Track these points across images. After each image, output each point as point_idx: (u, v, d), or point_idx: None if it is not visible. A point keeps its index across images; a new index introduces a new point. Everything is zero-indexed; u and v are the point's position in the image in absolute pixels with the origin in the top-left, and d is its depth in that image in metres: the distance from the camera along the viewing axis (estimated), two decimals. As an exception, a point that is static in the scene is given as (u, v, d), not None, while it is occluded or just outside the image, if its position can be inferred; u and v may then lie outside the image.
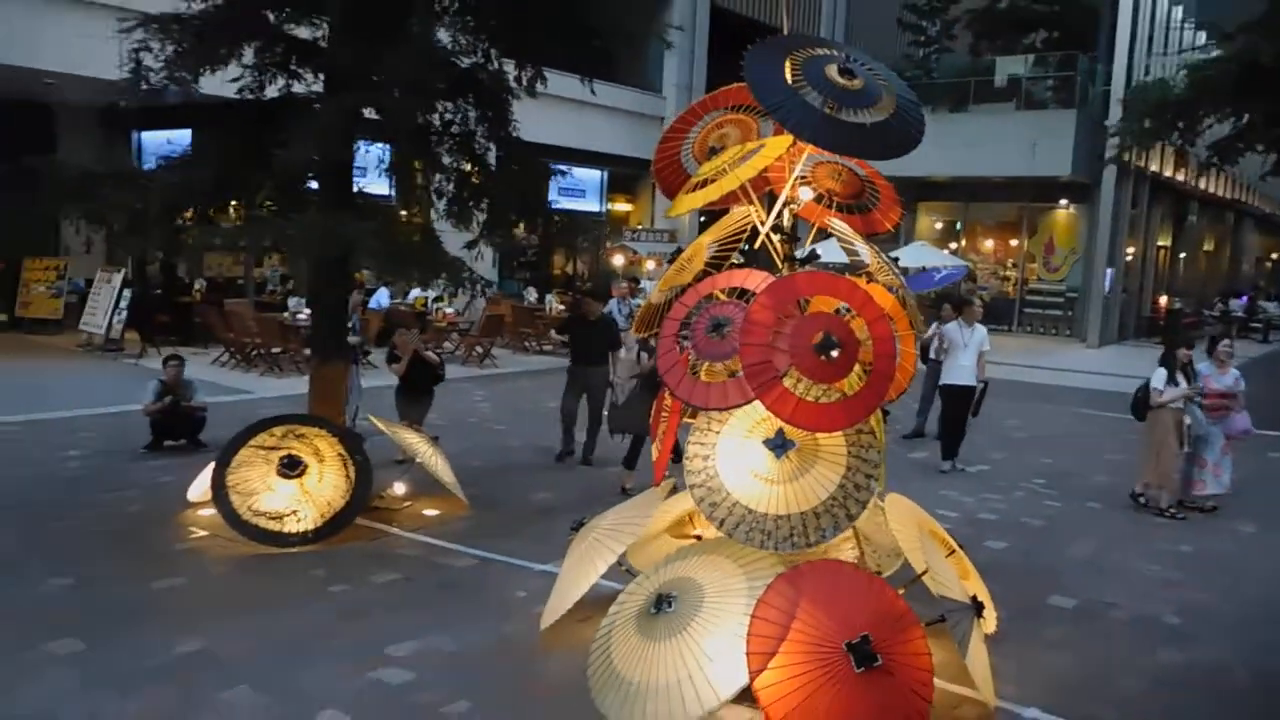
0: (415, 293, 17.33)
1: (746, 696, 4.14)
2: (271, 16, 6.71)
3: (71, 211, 6.33)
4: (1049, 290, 24.88)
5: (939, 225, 27.38)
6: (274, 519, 6.50)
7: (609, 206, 24.83)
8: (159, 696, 4.32)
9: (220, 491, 6.51)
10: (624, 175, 24.43)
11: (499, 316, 16.43)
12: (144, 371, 13.49)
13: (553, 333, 14.13)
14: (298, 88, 7.21)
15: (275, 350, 14.03)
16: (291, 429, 6.86)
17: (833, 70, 4.39)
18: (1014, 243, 25.88)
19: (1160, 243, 28.00)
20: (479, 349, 15.70)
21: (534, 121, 8.09)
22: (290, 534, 6.46)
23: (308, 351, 14.09)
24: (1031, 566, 6.67)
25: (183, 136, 16.05)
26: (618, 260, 20.88)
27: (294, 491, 6.63)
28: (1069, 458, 10.48)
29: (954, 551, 5.18)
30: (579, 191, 22.98)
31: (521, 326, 17.50)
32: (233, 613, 5.33)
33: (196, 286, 16.56)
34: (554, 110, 7.43)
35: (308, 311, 15.59)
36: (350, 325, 9.00)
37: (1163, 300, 26.66)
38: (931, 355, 10.86)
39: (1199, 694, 4.83)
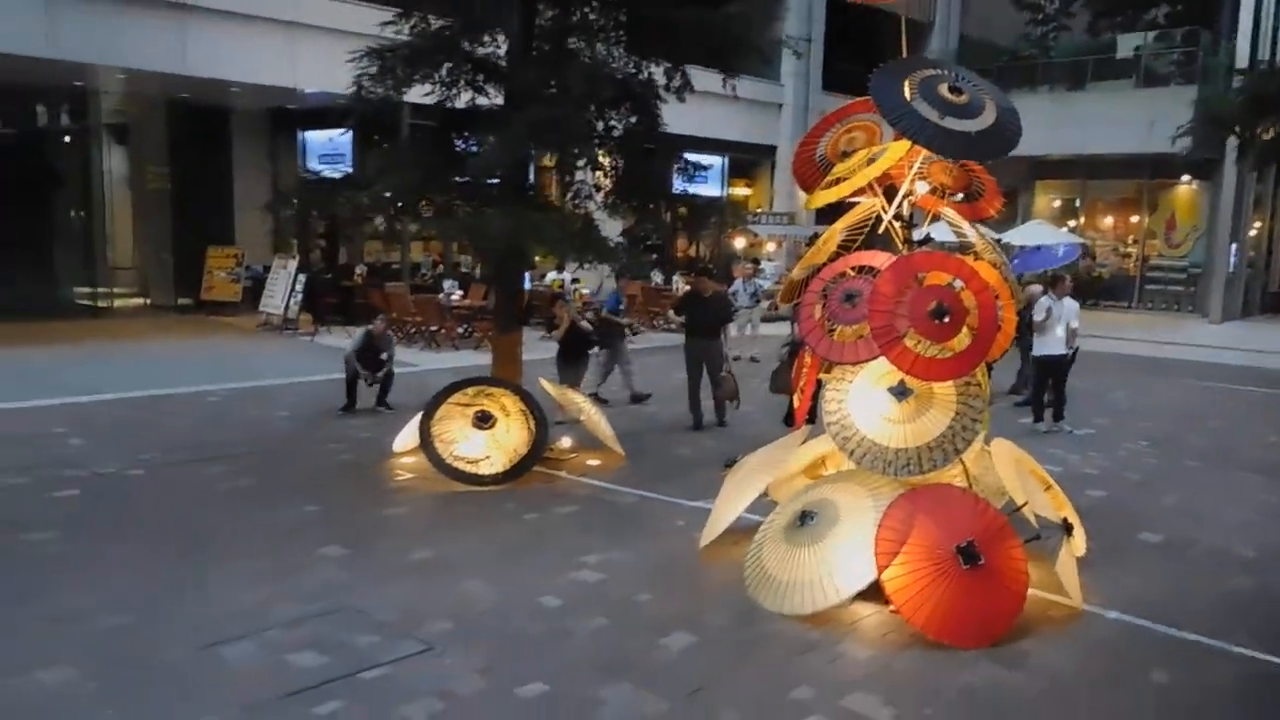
0: (551, 275, 18.76)
1: (872, 595, 5.23)
2: (465, 43, 8.01)
3: (314, 210, 7.78)
4: (1170, 267, 24.74)
5: (1057, 203, 27.40)
6: (470, 463, 7.87)
7: (729, 191, 25.82)
8: (412, 585, 5.66)
9: (427, 439, 7.91)
10: (743, 161, 25.37)
11: (631, 296, 17.68)
12: (319, 348, 15.32)
13: (670, 313, 15.26)
14: (481, 101, 8.53)
15: (433, 328, 15.63)
16: (482, 389, 8.23)
17: (944, 88, 5.39)
18: (1134, 219, 25.76)
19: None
20: (630, 327, 16.92)
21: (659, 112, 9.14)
22: (484, 475, 7.82)
23: (459, 329, 15.74)
24: (1125, 511, 7.51)
25: (340, 137, 17.88)
26: (739, 243, 21.86)
27: (486, 441, 7.99)
28: (1173, 424, 11.09)
29: (1050, 487, 6.12)
30: (701, 177, 24.02)
31: (650, 306, 18.74)
32: (450, 532, 6.68)
33: (358, 271, 18.35)
34: (678, 101, 8.50)
35: (460, 293, 17.24)
36: (621, 307, 10.52)
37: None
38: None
39: (1261, 610, 5.66)
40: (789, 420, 9.11)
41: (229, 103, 18.68)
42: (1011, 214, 28.18)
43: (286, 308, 16.95)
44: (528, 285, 18.08)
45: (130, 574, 5.62)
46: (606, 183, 8.78)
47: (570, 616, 5.25)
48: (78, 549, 6.02)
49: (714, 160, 24.66)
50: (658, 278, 21.46)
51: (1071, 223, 26.33)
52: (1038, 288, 11.49)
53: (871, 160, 5.63)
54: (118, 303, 19.41)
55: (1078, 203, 26.85)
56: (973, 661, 4.78)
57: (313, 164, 19.51)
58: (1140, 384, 14.08)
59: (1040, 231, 22.70)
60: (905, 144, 5.53)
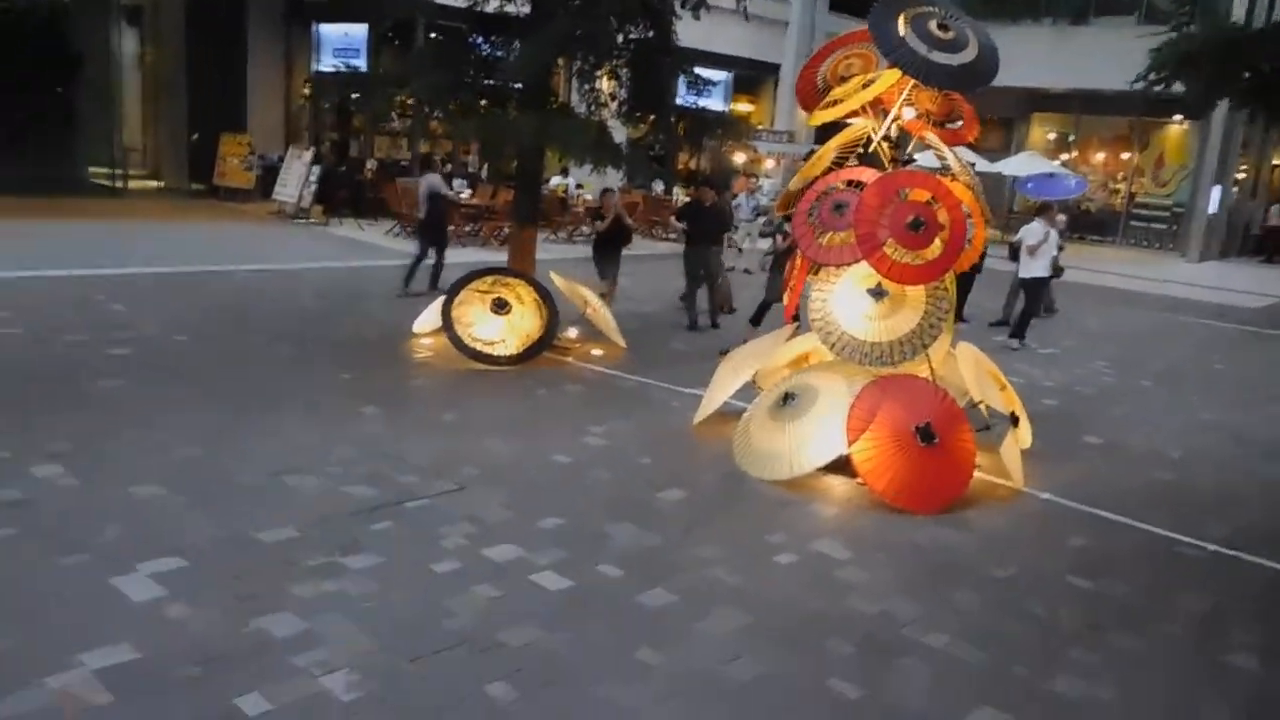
0: (555, 180, 19.28)
1: (842, 470, 6.09)
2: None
3: (350, 103, 8.34)
4: (1156, 205, 25.35)
5: (1052, 136, 27.79)
6: (487, 344, 8.65)
7: (732, 106, 26.11)
8: (441, 440, 6.48)
9: (448, 321, 8.66)
10: (748, 77, 25.60)
11: (634, 204, 18.26)
12: (332, 237, 15.95)
13: (674, 219, 15.89)
14: (508, 8, 9.04)
15: (442, 224, 16.22)
16: (499, 279, 8.95)
17: (933, 24, 6.03)
18: (1125, 156, 26.25)
19: (1276, 162, 27.87)
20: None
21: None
22: (499, 356, 8.61)
23: (467, 228, 16.34)
24: (1074, 417, 8.39)
25: (356, 31, 18.19)
26: (739, 158, 22.33)
27: (502, 325, 8.76)
28: (1134, 350, 11.96)
29: (1005, 388, 6.95)
30: (707, 92, 24.31)
31: (652, 215, 19.35)
32: (470, 400, 7.50)
33: (368, 166, 18.82)
34: (684, 15, 9.00)
35: (469, 191, 17.77)
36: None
37: (1275, 218, 26.70)
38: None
39: (1172, 497, 6.56)
40: (756, 321, 9.90)
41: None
42: (1007, 144, 28.70)
43: (300, 197, 17.48)
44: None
45: (194, 416, 6.42)
46: (621, 92, 9.37)
47: (579, 471, 6.11)
48: (144, 396, 6.81)
49: (720, 75, 24.91)
50: (659, 187, 21.98)
51: (1064, 156, 26.82)
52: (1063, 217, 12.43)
53: (866, 86, 6.29)
54: (132, 184, 19.85)
55: (1071, 137, 27.26)
56: (924, 524, 5.66)
57: (327, 57, 19.78)
58: (1113, 314, 14.91)
59: (1032, 163, 23.29)
60: (896, 73, 6.18)
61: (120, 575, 4.25)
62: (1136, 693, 4.05)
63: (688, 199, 16.95)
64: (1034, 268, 11.52)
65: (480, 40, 9.21)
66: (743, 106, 26.82)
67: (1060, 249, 12.96)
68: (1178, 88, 10.84)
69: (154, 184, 20.79)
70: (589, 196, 18.85)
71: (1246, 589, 5.21)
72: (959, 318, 12.69)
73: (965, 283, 12.69)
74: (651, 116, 9.62)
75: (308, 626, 3.97)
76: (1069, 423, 8.20)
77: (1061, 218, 13.80)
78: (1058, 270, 13.27)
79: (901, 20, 6.11)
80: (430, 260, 11.44)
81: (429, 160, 14.53)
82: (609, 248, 10.73)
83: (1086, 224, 26.15)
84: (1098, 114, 26.18)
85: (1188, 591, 5.10)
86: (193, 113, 19.76)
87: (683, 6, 9.16)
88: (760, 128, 24.79)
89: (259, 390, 7.17)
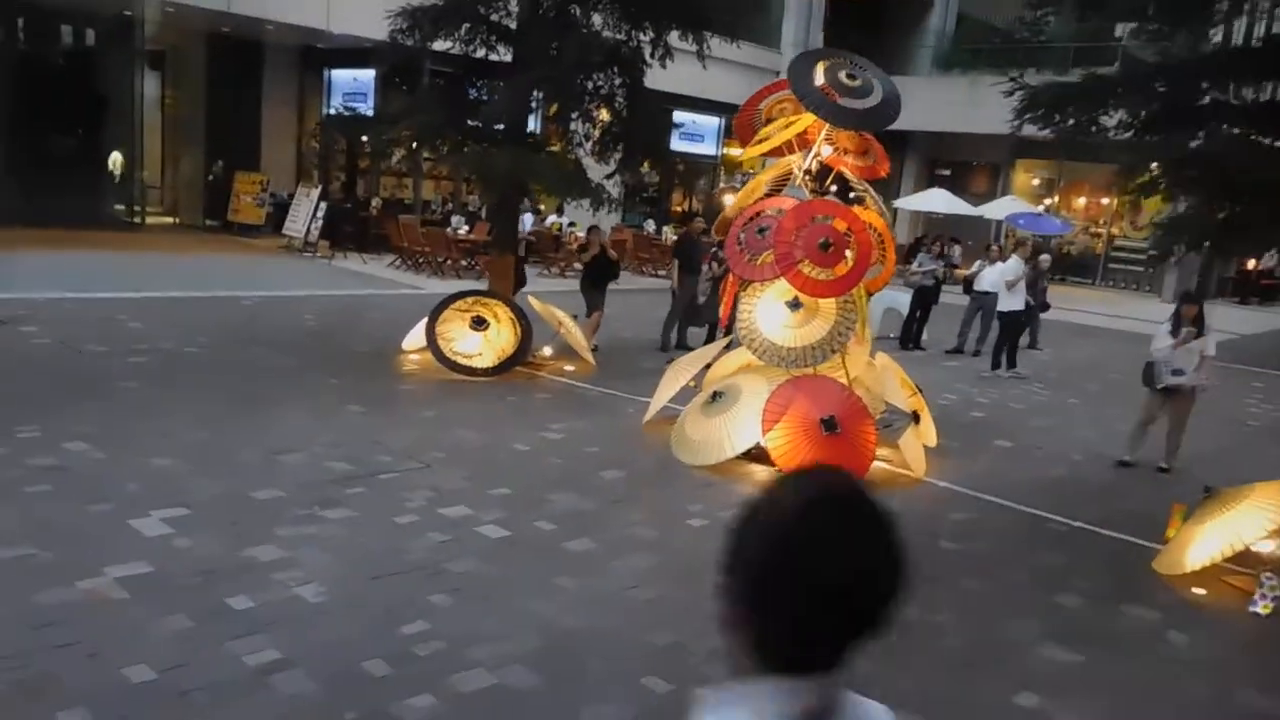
0: (551, 219, 20.40)
1: (765, 460, 6.98)
2: (481, 9, 9.60)
3: (350, 140, 9.39)
4: (1133, 248, 26.29)
5: (1036, 181, 28.89)
6: (466, 357, 9.60)
7: (724, 151, 27.30)
8: (416, 431, 7.39)
9: (432, 337, 9.63)
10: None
11: (622, 241, 19.32)
12: (336, 270, 17.01)
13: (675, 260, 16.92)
14: (493, 57, 10.12)
15: (440, 259, 17.31)
16: (479, 299, 9.93)
17: (843, 74, 7.04)
18: (1105, 201, 27.28)
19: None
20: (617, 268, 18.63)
21: (662, 73, 10.62)
22: (477, 368, 9.55)
23: (464, 262, 17.37)
24: (995, 426, 9.27)
25: (364, 76, 19.36)
26: (728, 199, 23.44)
27: (480, 341, 9.71)
28: (1077, 374, 12.83)
29: (915, 394, 7.84)
30: (698, 136, 25.54)
31: (640, 252, 20.40)
32: (447, 401, 8.43)
33: (373, 204, 19.96)
34: (680, 62, 9.92)
35: (467, 228, 18.86)
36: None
37: (1250, 262, 27.58)
38: (975, 287, 13.44)
39: (1060, 489, 7.41)
40: (708, 339, 10.82)
41: (263, 38, 20.12)
42: (993, 189, 29.81)
43: (307, 232, 18.59)
44: (531, 226, 19.90)
45: (203, 410, 7.36)
46: (595, 133, 10.41)
47: (534, 456, 7.02)
48: (160, 394, 7.76)
49: (712, 120, 26.13)
50: (650, 227, 23.09)
51: (1047, 201, 27.89)
52: (995, 252, 13.30)
53: (788, 127, 7.30)
54: (150, 220, 21.00)
55: (1056, 182, 28.31)
56: (826, 501, 6.52)
57: (336, 100, 21.04)
58: (1071, 344, 15.78)
59: (1013, 207, 24.35)
60: (811, 116, 7.18)
61: (137, 518, 5.18)
62: (967, 617, 4.91)
63: (678, 236, 18.08)
64: (1010, 302, 12.16)
65: (469, 85, 10.29)
66: (735, 150, 28.01)
67: (1045, 287, 13.96)
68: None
69: (170, 220, 21.94)
70: (580, 234, 19.91)
71: (1094, 553, 6.06)
72: (917, 345, 13.65)
73: (924, 313, 13.68)
74: (626, 155, 10.64)
75: (288, 554, 4.88)
76: (989, 430, 9.08)
77: (1045, 257, 14.71)
78: (1044, 305, 14.22)
79: (820, 69, 7.13)
80: None
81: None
82: (596, 281, 11.71)
83: (1067, 266, 27.12)
84: (1080, 161, 27.23)
85: (1042, 553, 5.95)
86: (209, 153, 20.99)
87: (652, 56, 10.21)
88: (750, 171, 25.96)
89: (260, 392, 8.11)
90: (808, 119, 7.25)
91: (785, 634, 1.12)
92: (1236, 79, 6.01)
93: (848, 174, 7.48)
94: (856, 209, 7.25)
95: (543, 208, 21.20)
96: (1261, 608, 5.23)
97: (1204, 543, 5.48)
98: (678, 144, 24.07)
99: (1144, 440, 8.08)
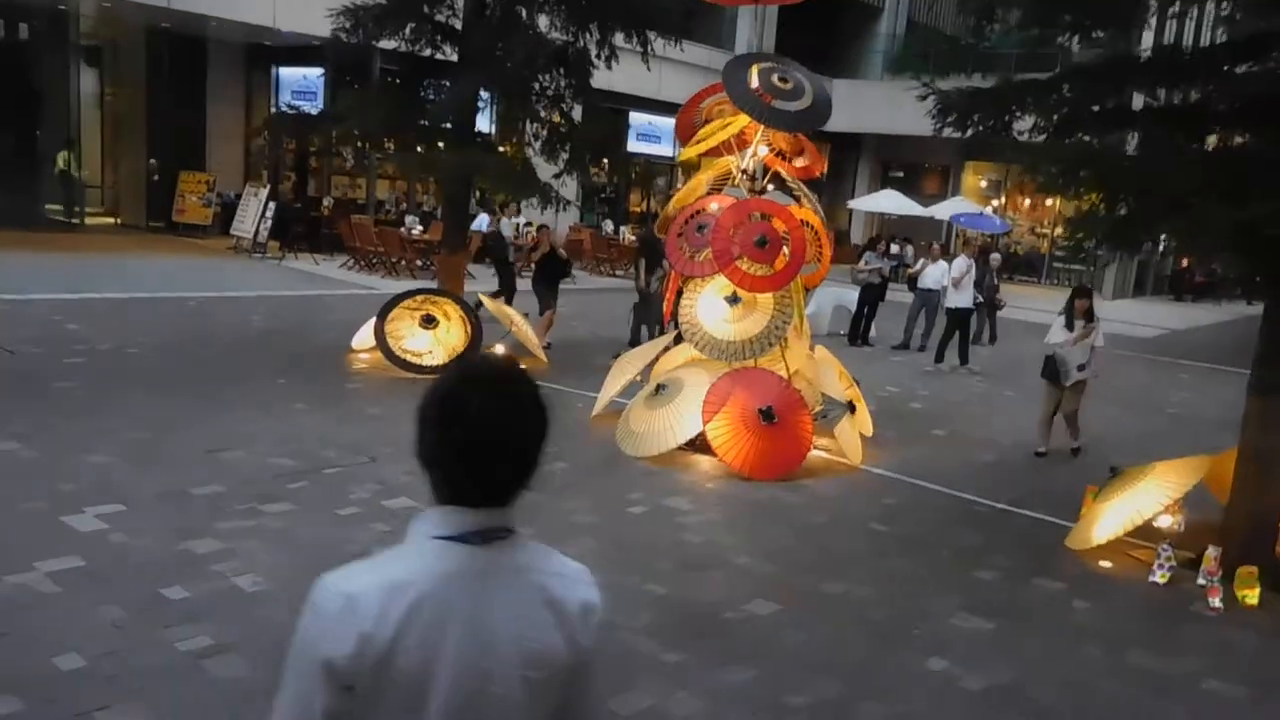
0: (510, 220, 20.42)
1: (707, 450, 7.12)
2: (425, 8, 9.65)
3: (294, 139, 9.41)
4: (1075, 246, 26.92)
5: (984, 183, 29.48)
6: (415, 355, 9.65)
7: (701, 157, 27.42)
8: (363, 428, 7.44)
9: (381, 335, 9.66)
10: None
11: (579, 241, 19.42)
12: (286, 270, 16.91)
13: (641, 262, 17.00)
14: (440, 57, 10.17)
15: (394, 259, 17.27)
16: (428, 298, 9.98)
17: (775, 77, 7.22)
18: (1049, 202, 27.89)
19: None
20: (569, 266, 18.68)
21: (619, 73, 10.69)
22: (426, 366, 9.59)
23: (419, 262, 17.34)
24: (931, 415, 9.52)
25: (314, 73, 19.19)
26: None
27: (430, 339, 9.77)
28: (1014, 367, 13.13)
29: (852, 385, 8.04)
30: (655, 137, 25.66)
31: (598, 252, 20.52)
32: (395, 399, 8.45)
33: (325, 203, 19.84)
34: (636, 64, 10.05)
35: (421, 228, 18.82)
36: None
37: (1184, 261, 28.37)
38: (918, 284, 13.75)
39: (986, 474, 7.65)
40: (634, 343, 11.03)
41: (207, 34, 19.81)
42: (944, 190, 30.36)
43: (256, 232, 18.42)
44: (486, 227, 19.89)
45: (143, 410, 7.33)
46: (543, 133, 10.50)
47: (479, 450, 7.09)
48: (96, 394, 7.70)
49: (669, 121, 26.22)
50: (608, 227, 23.21)
51: (995, 202, 28.46)
52: (937, 251, 13.67)
53: (725, 128, 7.48)
54: (89, 220, 20.52)
55: (1004, 183, 28.91)
56: (764, 487, 6.71)
57: (285, 99, 20.83)
58: (1015, 340, 16.14)
59: (961, 208, 24.85)
60: (746, 118, 7.37)
61: (71, 515, 5.18)
62: (890, 591, 5.10)
63: (638, 236, 18.21)
64: (958, 299, 12.45)
65: (419, 84, 10.33)
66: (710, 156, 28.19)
67: (997, 285, 14.36)
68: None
69: (111, 220, 21.53)
70: (533, 233, 19.97)
71: (1013, 532, 6.32)
72: (865, 341, 13.91)
73: (871, 310, 13.94)
74: (574, 155, 10.73)
75: (227, 546, 4.93)
76: (926, 420, 9.32)
77: (996, 256, 15.18)
78: (998, 303, 14.63)
79: (754, 72, 7.30)
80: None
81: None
82: (547, 280, 11.80)
83: (1015, 265, 27.69)
84: (999, 163, 27.82)
85: (965, 533, 6.18)
86: (152, 151, 20.57)
87: (597, 57, 10.32)
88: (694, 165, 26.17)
89: (203, 392, 8.09)
90: (743, 120, 7.43)
91: (448, 475, 1.45)
92: (1134, 85, 6.28)
93: (784, 174, 7.66)
94: (792, 207, 7.43)
95: (498, 210, 21.21)
96: (1159, 576, 5.51)
97: (1108, 518, 5.74)
98: (635, 145, 24.25)
99: (1050, 429, 8.39)
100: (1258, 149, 6.02)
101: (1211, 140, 6.49)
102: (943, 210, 26.26)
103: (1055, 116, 6.39)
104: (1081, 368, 7.92)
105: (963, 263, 12.66)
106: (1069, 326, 8.06)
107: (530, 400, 1.49)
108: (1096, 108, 6.23)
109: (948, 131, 6.22)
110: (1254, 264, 5.82)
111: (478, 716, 1.40)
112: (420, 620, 1.38)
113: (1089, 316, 8.02)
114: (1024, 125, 7.10)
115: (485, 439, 1.43)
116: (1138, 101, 7.01)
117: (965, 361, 12.37)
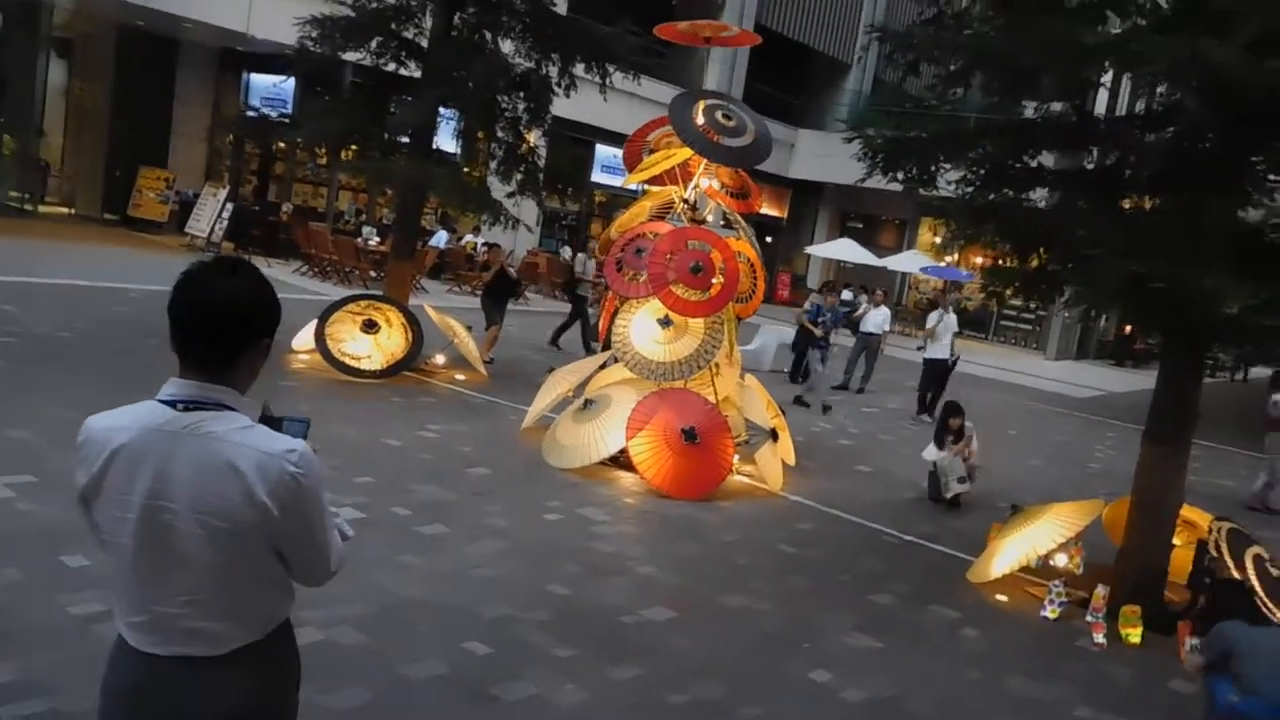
0: (467, 237, 20.56)
1: (626, 466, 7.27)
2: (393, 25, 9.85)
3: (254, 141, 9.49)
4: (1023, 307, 27.63)
5: (938, 239, 30.17)
6: (354, 359, 9.71)
7: (645, 185, 27.80)
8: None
9: (320, 337, 9.72)
10: (661, 159, 27.39)
11: (535, 264, 19.58)
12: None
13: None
14: (404, 71, 10.35)
15: (347, 268, 17.30)
16: (372, 303, 10.06)
17: (719, 114, 7.51)
18: (1000, 262, 28.61)
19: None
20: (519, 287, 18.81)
21: (591, 107, 10.90)
22: (365, 370, 9.66)
23: (373, 273, 17.37)
24: (859, 453, 9.76)
25: (283, 83, 19.23)
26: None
27: (370, 343, 9.83)
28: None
29: (778, 415, 8.25)
30: (619, 170, 25.99)
31: (554, 277, 20.68)
32: (329, 400, 8.53)
33: (284, 209, 19.83)
34: (610, 100, 10.31)
35: (378, 239, 18.88)
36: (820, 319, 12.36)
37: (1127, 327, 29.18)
38: (860, 329, 14.05)
39: (900, 508, 7.87)
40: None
41: (180, 35, 19.86)
42: (900, 243, 31.05)
43: (211, 232, 18.36)
44: (445, 243, 20.05)
45: (70, 391, 7.34)
46: (500, 153, 10.70)
47: (406, 451, 7.19)
48: (26, 374, 7.68)
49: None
50: (566, 253, 23.40)
51: (949, 258, 29.13)
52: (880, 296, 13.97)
53: (668, 158, 7.74)
54: (43, 209, 20.33)
55: (958, 240, 29.56)
56: (682, 505, 6.86)
57: (254, 104, 20.86)
58: (959, 392, 16.48)
59: (915, 261, 25.46)
60: (689, 151, 7.64)
61: (-17, 483, 5.19)
62: (788, 608, 5.26)
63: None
64: (934, 349, 12.66)
65: (382, 96, 10.49)
66: (656, 185, 28.58)
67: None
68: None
69: (66, 210, 21.32)
70: (485, 250, 20.11)
71: (917, 563, 6.52)
72: (804, 378, 14.14)
73: (802, 354, 14.18)
74: (527, 175, 10.92)
75: (135, 522, 4.95)
76: (853, 455, 9.56)
77: (952, 314, 15.40)
78: (954, 358, 14.90)
79: (699, 108, 7.58)
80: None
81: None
82: (496, 297, 11.94)
83: (964, 321, 28.31)
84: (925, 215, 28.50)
85: (870, 560, 6.37)
86: (114, 145, 20.44)
87: (558, 85, 10.57)
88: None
89: (133, 377, 8.04)
90: (686, 152, 7.68)
91: (178, 345, 1.85)
92: (1041, 146, 6.63)
93: (724, 207, 7.91)
94: (730, 239, 7.67)
95: (458, 228, 21.37)
96: (1050, 612, 5.73)
97: (1006, 553, 5.97)
98: (599, 176, 24.58)
99: None
100: (1162, 212, 6.37)
101: (1126, 203, 6.86)
102: (897, 263, 26.89)
103: (979, 170, 6.70)
104: (962, 480, 8.08)
105: (936, 315, 12.87)
106: (939, 444, 8.21)
107: (228, 285, 1.84)
108: (1013, 164, 6.54)
109: (875, 177, 6.48)
110: (1146, 317, 6.14)
111: (164, 545, 1.78)
112: (121, 459, 1.81)
113: (959, 435, 8.17)
114: (954, 176, 7.44)
115: (179, 316, 1.82)
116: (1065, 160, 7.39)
117: (929, 411, 12.60)
